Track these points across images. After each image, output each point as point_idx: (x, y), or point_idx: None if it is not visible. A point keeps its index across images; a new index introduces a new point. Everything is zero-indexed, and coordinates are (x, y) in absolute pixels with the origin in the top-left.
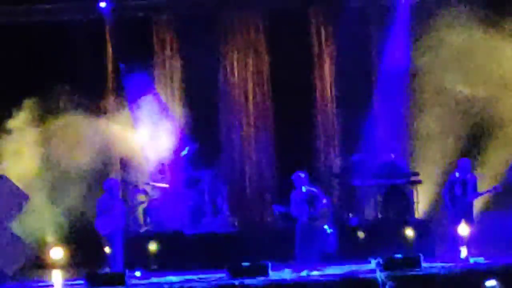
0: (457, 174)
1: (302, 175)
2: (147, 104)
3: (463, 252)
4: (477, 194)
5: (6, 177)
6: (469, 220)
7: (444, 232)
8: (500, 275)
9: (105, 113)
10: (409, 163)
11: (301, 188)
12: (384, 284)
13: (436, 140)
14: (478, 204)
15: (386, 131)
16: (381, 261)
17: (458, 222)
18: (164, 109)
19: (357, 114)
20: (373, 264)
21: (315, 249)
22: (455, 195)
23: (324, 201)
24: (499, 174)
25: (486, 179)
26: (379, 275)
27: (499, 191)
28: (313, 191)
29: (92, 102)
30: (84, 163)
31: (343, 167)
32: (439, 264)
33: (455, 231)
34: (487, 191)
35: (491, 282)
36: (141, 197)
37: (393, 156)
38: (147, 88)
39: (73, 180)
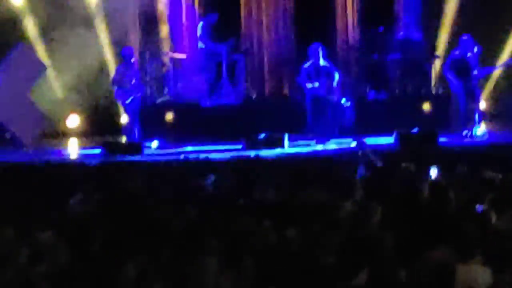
0: (457, 52)
1: (318, 47)
2: None
3: (480, 128)
4: (484, 71)
5: (24, 45)
6: (475, 98)
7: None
8: None
9: None
10: (428, 38)
11: (314, 61)
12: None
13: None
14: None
15: (406, 6)
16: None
17: (466, 100)
18: None
19: None
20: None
21: (330, 123)
22: (457, 73)
23: (336, 75)
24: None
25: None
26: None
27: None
28: (324, 65)
29: None
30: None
31: (363, 41)
32: (456, 140)
33: (468, 108)
34: (499, 66)
35: None
36: (159, 67)
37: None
38: None
39: (89, 47)
